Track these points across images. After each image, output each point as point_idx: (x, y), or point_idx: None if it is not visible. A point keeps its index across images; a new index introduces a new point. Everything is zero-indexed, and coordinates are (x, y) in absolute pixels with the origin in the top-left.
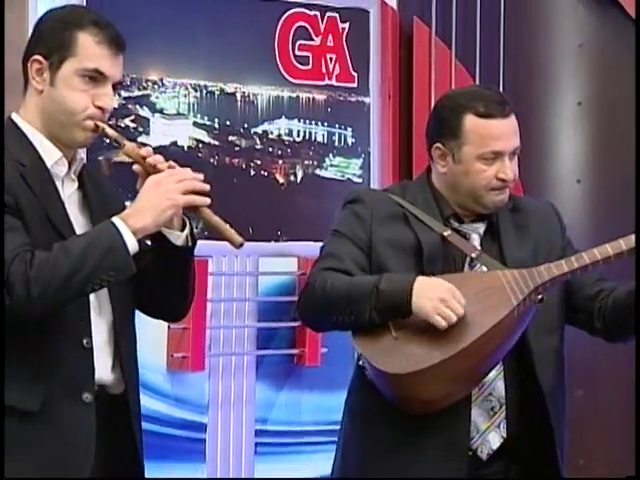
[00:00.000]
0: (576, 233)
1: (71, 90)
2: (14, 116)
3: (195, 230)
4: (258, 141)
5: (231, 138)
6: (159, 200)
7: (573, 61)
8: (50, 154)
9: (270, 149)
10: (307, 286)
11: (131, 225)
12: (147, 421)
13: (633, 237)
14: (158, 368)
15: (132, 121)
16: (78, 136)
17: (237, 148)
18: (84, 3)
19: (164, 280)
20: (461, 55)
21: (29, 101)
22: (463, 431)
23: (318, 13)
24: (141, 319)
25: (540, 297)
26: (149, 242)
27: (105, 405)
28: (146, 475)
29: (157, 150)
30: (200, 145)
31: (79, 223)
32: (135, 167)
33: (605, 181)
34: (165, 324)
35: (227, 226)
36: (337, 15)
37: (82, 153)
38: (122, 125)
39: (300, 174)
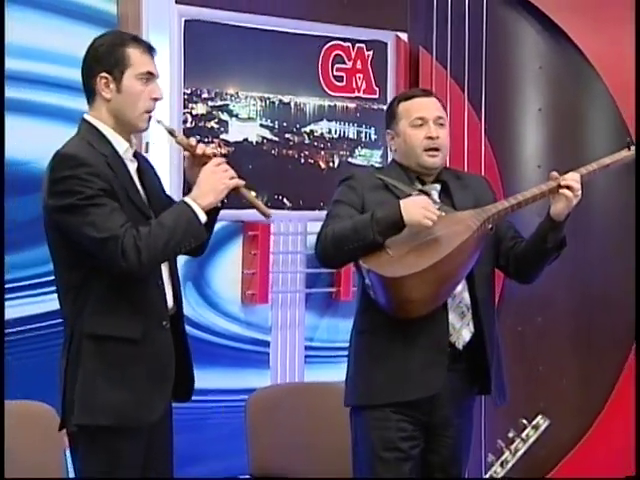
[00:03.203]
0: (537, 205)
1: (135, 91)
2: (87, 117)
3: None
4: (306, 138)
5: (287, 135)
6: (217, 184)
7: (535, 78)
8: (120, 145)
9: (315, 143)
10: (319, 238)
11: (200, 204)
12: (227, 339)
13: (552, 182)
14: (235, 301)
15: (216, 123)
16: (141, 126)
17: (291, 143)
18: (182, 38)
19: None
20: (454, 75)
21: (100, 107)
22: (443, 329)
23: (350, 44)
24: (223, 267)
25: (490, 227)
26: None
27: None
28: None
29: (233, 144)
30: (265, 141)
31: (141, 191)
32: (185, 153)
33: (559, 166)
34: (240, 270)
35: (259, 201)
36: (364, 46)
37: (134, 138)
38: (208, 126)
39: (337, 161)
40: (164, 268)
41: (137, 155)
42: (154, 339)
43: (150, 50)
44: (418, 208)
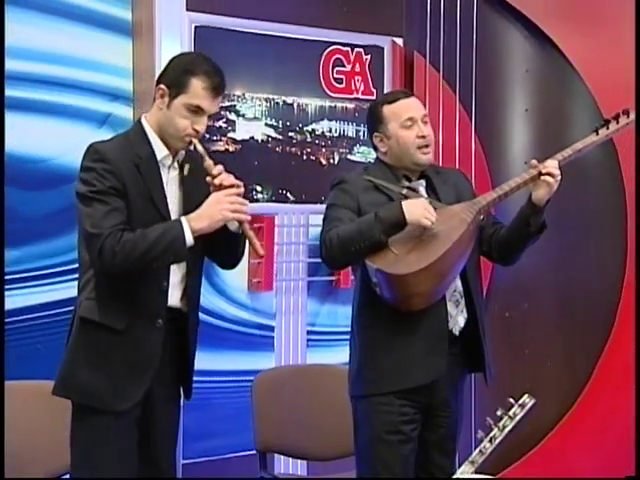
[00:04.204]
0: (522, 201)
1: (179, 116)
2: (142, 118)
3: (265, 196)
4: (308, 136)
5: (290, 134)
6: (215, 213)
7: (522, 81)
8: (160, 150)
9: (317, 141)
10: (323, 242)
11: (192, 226)
12: (234, 324)
13: (532, 170)
14: (242, 288)
15: (224, 122)
16: (178, 145)
17: (294, 141)
18: (193, 43)
19: (222, 247)
20: (446, 77)
21: (153, 112)
22: (443, 318)
23: (349, 49)
24: None
25: (481, 217)
26: None
27: (175, 318)
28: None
29: (240, 142)
30: (269, 139)
31: (176, 197)
32: (208, 178)
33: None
34: (246, 260)
35: (256, 239)
36: (362, 50)
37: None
38: (217, 125)
39: (337, 158)
40: (176, 271)
41: (185, 165)
42: (141, 334)
43: (214, 89)
44: (419, 209)
